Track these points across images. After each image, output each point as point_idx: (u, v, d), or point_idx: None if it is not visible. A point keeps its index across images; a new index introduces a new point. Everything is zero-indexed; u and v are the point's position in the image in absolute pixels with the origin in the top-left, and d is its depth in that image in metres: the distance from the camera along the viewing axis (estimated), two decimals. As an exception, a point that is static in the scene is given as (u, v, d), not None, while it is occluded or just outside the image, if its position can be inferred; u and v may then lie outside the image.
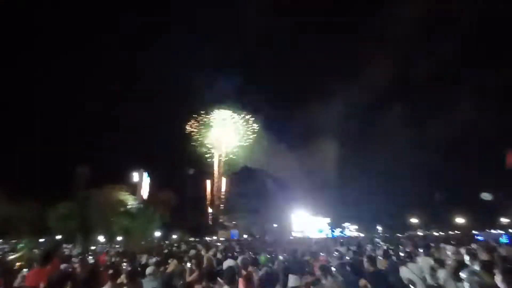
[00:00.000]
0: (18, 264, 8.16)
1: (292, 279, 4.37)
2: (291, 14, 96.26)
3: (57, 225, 27.33)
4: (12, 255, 10.48)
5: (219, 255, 9.91)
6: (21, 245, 19.91)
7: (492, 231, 32.54)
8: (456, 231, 38.47)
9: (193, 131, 59.69)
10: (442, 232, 42.81)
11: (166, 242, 27.43)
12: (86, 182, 38.62)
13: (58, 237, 29.04)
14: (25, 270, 5.72)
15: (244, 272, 4.15)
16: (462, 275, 2.44)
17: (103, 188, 33.14)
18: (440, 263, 4.20)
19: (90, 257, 12.36)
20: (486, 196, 26.74)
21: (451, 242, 11.84)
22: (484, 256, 4.75)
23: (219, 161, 63.68)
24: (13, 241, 24.88)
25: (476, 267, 3.26)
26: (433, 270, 3.97)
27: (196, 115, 66.05)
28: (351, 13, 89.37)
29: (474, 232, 31.91)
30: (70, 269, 4.83)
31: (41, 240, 28.52)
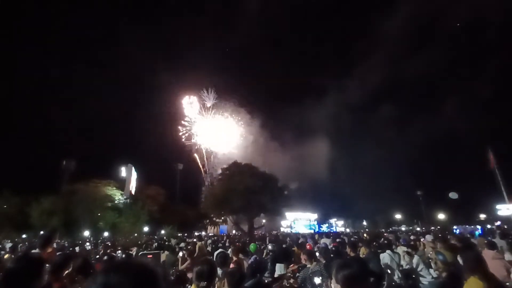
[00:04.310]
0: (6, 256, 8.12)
1: (278, 268, 4.64)
2: (288, 14, 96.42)
3: (40, 220, 26.25)
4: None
5: (209, 248, 10.15)
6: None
7: (472, 226, 34.14)
8: (437, 227, 39.98)
9: (184, 127, 59.15)
10: (424, 227, 44.48)
11: (155, 237, 27.30)
12: (72, 176, 37.74)
13: (41, 233, 27.88)
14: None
15: (234, 259, 4.38)
16: (429, 255, 2.75)
17: (89, 183, 32.39)
18: (413, 249, 4.58)
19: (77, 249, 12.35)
20: (453, 195, 28.35)
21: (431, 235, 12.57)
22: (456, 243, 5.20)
23: (209, 156, 63.36)
24: None
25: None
26: (407, 256, 4.33)
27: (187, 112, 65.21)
28: (345, 16, 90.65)
29: (454, 226, 33.39)
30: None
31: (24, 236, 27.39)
